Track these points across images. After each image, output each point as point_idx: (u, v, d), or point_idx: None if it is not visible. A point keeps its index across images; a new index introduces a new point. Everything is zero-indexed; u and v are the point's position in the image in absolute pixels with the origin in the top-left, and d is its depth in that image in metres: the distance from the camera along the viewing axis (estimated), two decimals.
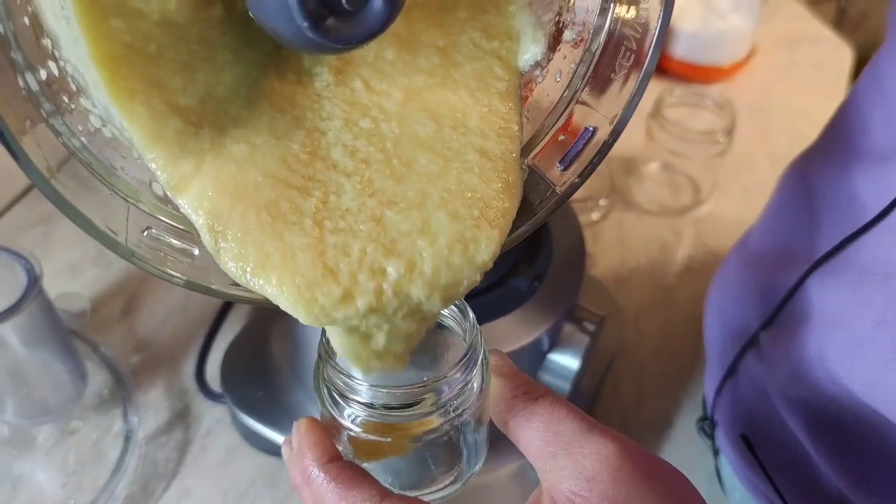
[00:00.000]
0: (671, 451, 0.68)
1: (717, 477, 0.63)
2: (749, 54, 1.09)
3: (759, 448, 0.53)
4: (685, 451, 0.68)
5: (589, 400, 0.68)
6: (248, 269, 0.29)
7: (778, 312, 0.51)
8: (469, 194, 0.30)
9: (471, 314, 0.34)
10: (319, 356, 0.34)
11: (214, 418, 0.67)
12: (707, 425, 0.62)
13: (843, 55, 1.14)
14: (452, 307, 0.34)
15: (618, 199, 0.90)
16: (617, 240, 0.86)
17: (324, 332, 0.33)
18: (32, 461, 0.64)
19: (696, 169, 0.89)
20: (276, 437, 0.63)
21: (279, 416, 0.63)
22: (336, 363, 0.33)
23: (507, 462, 0.60)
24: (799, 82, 1.09)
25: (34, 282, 0.56)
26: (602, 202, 0.87)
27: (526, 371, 0.59)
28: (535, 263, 0.60)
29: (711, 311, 0.63)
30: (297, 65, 0.32)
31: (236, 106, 0.31)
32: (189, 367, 0.71)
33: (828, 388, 0.45)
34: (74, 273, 0.78)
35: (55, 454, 0.64)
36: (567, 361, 0.59)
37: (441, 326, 0.35)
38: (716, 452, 0.62)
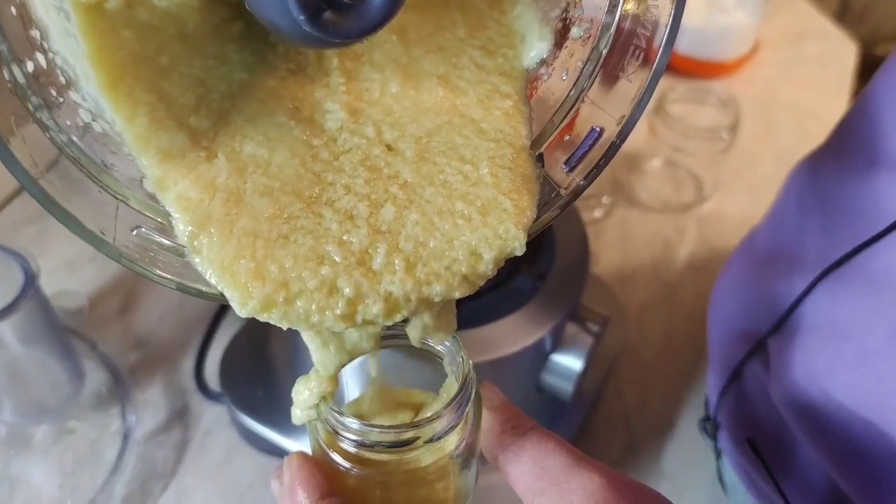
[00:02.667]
0: (673, 452, 0.67)
1: (719, 478, 0.62)
2: (753, 50, 1.08)
3: (763, 452, 0.52)
4: (687, 451, 0.67)
5: (592, 400, 0.67)
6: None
7: (785, 320, 0.50)
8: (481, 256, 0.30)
9: (463, 351, 0.33)
10: None
11: (213, 417, 0.67)
12: (709, 426, 0.61)
13: (847, 51, 1.13)
14: (446, 343, 0.34)
15: (620, 196, 0.89)
16: (620, 237, 0.85)
17: None
18: (30, 461, 0.63)
19: (699, 165, 0.88)
20: (275, 437, 0.62)
21: (278, 416, 0.62)
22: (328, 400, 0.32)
23: None
24: (803, 78, 1.08)
25: (31, 280, 0.56)
26: (605, 199, 0.87)
27: (528, 372, 0.60)
28: (537, 262, 0.59)
29: (715, 313, 0.62)
30: (311, 96, 0.31)
31: (255, 143, 0.30)
32: (188, 365, 0.70)
33: (835, 399, 0.44)
34: (71, 270, 0.77)
35: (53, 454, 0.64)
36: (570, 362, 0.58)
37: (433, 361, 0.34)
38: (718, 454, 0.61)
